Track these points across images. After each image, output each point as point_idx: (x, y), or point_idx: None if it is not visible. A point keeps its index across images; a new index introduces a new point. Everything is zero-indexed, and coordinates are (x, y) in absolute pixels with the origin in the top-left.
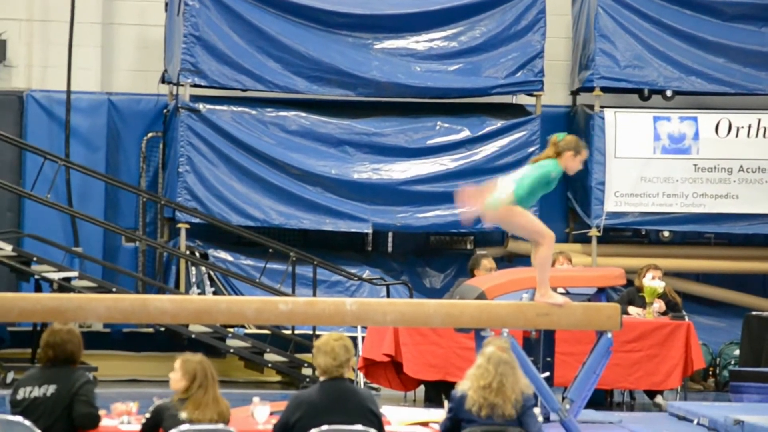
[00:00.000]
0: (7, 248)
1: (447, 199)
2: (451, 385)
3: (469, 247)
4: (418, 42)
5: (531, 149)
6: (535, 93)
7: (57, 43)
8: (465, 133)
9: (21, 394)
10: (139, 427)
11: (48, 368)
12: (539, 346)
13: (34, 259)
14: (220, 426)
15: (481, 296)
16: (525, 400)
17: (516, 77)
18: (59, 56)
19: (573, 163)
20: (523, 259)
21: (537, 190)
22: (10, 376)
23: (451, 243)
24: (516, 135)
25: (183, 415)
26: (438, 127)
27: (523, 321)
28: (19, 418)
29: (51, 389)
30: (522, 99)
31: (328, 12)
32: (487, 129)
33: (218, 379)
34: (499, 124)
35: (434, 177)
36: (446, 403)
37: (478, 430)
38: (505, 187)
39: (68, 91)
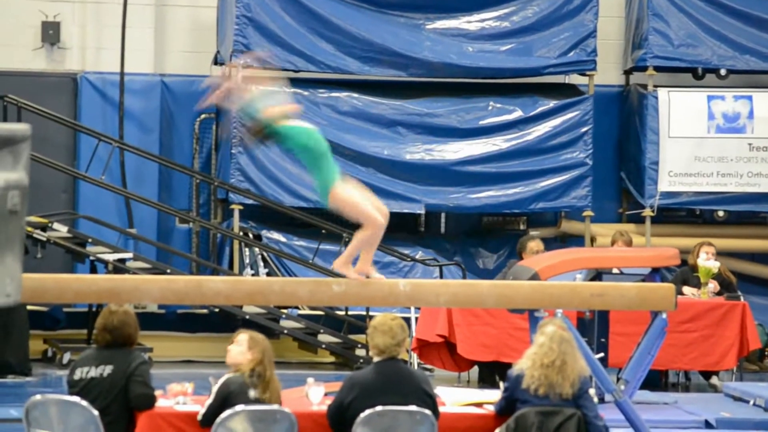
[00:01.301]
0: (63, 229)
1: (500, 179)
2: (505, 366)
3: (522, 227)
4: (470, 22)
5: (584, 129)
6: (588, 72)
7: (110, 25)
8: (517, 114)
9: (78, 374)
10: (194, 407)
11: (104, 349)
12: (593, 327)
13: (89, 240)
14: (276, 407)
15: (535, 277)
16: (582, 383)
17: (568, 57)
18: (113, 38)
19: None
20: (577, 240)
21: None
22: (67, 356)
23: (503, 224)
24: (569, 115)
25: (252, 393)
26: (490, 108)
27: (578, 301)
28: (75, 399)
29: (107, 370)
30: (575, 79)
31: None
32: (540, 109)
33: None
34: (551, 104)
35: (487, 157)
36: (501, 384)
37: (534, 410)
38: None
39: (122, 73)
